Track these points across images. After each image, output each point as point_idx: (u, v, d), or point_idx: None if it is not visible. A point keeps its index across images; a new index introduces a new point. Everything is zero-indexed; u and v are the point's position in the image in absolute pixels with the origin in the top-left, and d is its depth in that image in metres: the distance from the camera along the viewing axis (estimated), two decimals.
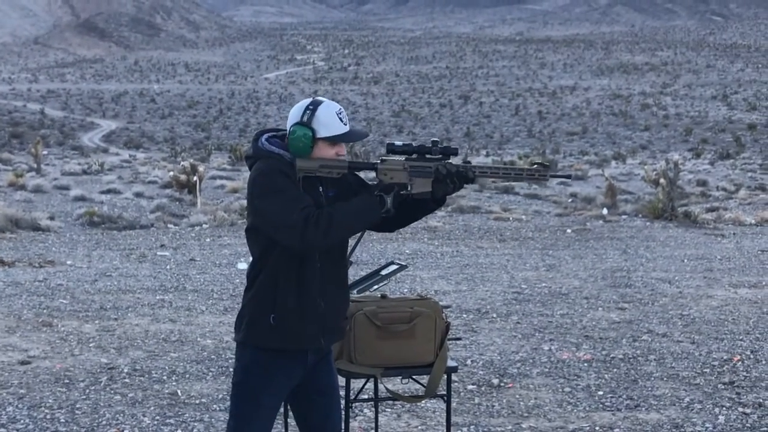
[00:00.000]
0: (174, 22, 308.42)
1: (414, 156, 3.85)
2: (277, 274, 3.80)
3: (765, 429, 6.22)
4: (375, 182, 3.89)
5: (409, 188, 3.81)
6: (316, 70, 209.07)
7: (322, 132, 3.79)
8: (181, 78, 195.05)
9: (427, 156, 3.84)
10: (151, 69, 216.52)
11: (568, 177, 4.13)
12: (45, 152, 44.61)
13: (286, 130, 3.90)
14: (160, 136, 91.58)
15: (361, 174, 4.03)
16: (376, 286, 5.22)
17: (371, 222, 3.80)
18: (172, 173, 27.03)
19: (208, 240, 16.29)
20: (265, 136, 3.91)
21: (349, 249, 4.10)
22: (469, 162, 3.88)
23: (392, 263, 5.44)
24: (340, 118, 3.81)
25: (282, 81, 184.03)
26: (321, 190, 3.85)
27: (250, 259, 3.94)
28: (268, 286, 3.81)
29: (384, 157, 3.90)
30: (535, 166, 3.85)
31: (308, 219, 3.64)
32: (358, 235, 3.95)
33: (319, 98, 3.87)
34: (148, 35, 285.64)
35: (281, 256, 3.78)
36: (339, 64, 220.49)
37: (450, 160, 3.85)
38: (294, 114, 3.83)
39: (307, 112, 3.80)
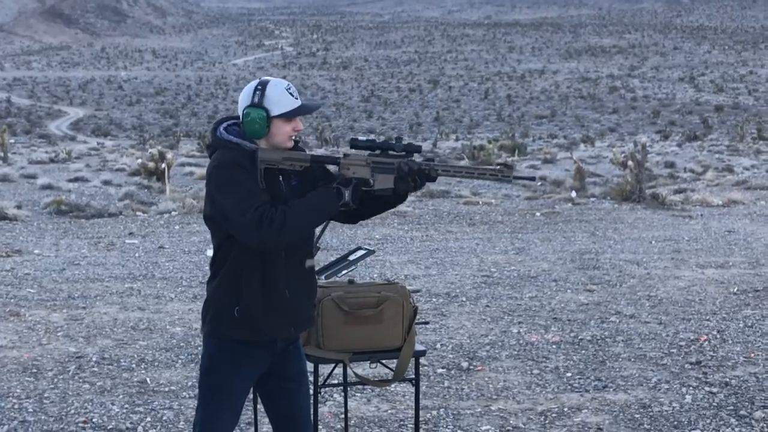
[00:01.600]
0: (140, 8, 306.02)
1: (377, 152, 3.84)
2: (240, 264, 3.76)
3: (731, 408, 6.29)
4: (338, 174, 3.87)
5: (371, 184, 3.80)
6: (285, 55, 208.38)
7: (275, 110, 3.77)
8: (148, 65, 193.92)
9: (390, 152, 3.83)
10: (118, 56, 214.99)
11: (532, 179, 4.14)
12: (12, 141, 44.22)
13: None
14: (128, 123, 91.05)
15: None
16: (344, 272, 5.22)
17: (328, 216, 3.79)
18: (140, 161, 26.89)
19: (177, 227, 16.23)
20: (224, 125, 3.87)
21: (316, 236, 4.09)
22: (432, 159, 3.87)
23: (360, 248, 5.45)
24: (291, 93, 3.79)
25: (250, 67, 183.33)
26: (281, 179, 3.82)
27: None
28: (232, 277, 3.78)
29: (347, 153, 3.88)
30: (499, 167, 3.84)
31: (262, 219, 3.59)
32: (325, 222, 3.94)
33: (266, 78, 3.85)
34: (115, 21, 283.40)
35: (244, 246, 3.75)
36: (307, 49, 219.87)
37: (413, 158, 3.84)
38: (244, 97, 3.81)
39: (257, 92, 3.77)
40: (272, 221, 3.60)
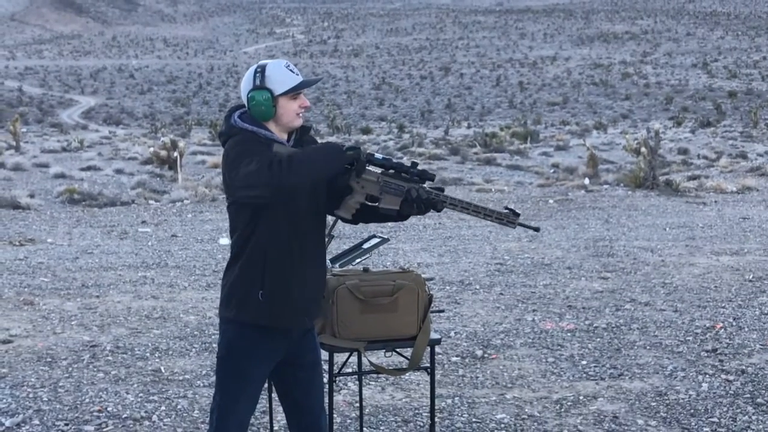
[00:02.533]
0: None
1: (390, 172, 3.83)
2: (264, 248, 3.76)
3: (748, 396, 6.25)
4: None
5: (378, 202, 3.81)
6: (296, 43, 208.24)
7: (279, 88, 3.77)
8: (159, 53, 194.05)
9: (403, 175, 3.84)
10: (129, 44, 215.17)
11: (536, 230, 4.14)
12: (24, 130, 44.32)
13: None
14: (140, 112, 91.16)
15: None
16: (358, 260, 5.19)
17: (334, 165, 3.70)
18: (152, 149, 26.91)
19: (189, 216, 16.23)
20: (238, 113, 3.87)
21: (329, 226, 4.08)
22: (442, 190, 3.86)
23: (374, 236, 5.42)
24: (291, 70, 3.80)
25: (261, 55, 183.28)
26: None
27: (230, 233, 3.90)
28: (257, 261, 3.77)
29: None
30: (506, 211, 3.87)
31: (272, 161, 3.57)
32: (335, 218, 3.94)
33: (263, 61, 3.85)
34: (126, 10, 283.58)
35: (267, 230, 3.75)
36: (318, 37, 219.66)
37: (424, 185, 3.83)
38: (245, 84, 3.82)
39: (257, 75, 3.78)
40: (281, 161, 3.56)
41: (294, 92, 3.80)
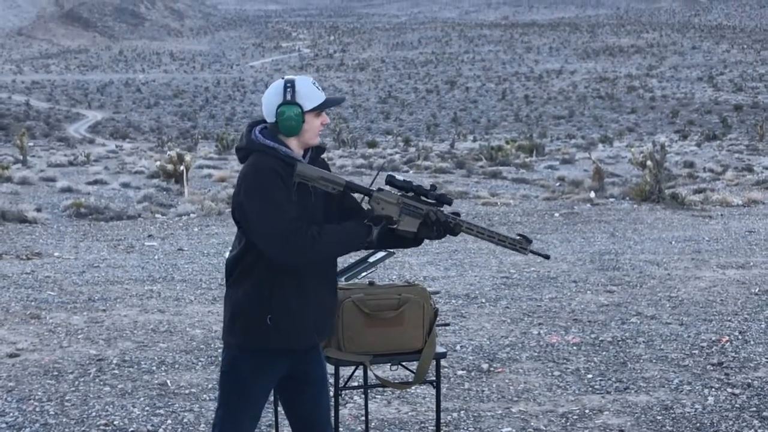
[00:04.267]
0: (158, 11, 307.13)
1: (410, 194, 3.86)
2: (271, 270, 3.73)
3: (754, 409, 6.24)
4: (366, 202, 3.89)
5: (396, 223, 3.83)
6: (302, 57, 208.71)
7: (308, 105, 3.79)
8: (166, 67, 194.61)
9: (422, 198, 3.86)
10: (136, 59, 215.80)
11: (547, 257, 4.15)
12: (31, 144, 44.45)
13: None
14: (147, 126, 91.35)
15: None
16: (364, 273, 5.21)
17: (354, 249, 3.82)
18: (158, 163, 26.98)
19: (196, 229, 16.27)
20: (259, 127, 3.86)
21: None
22: (459, 214, 3.89)
23: (380, 250, 5.43)
24: (317, 87, 3.83)
25: (268, 69, 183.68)
26: (311, 188, 3.81)
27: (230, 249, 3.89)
28: (263, 284, 3.74)
29: (381, 188, 3.89)
30: (519, 237, 3.93)
31: (294, 235, 3.60)
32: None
33: (289, 76, 3.86)
34: (133, 24, 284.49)
35: None
36: (325, 51, 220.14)
37: (442, 209, 3.87)
38: (272, 97, 3.79)
39: (288, 90, 3.78)
40: (301, 239, 3.60)
41: (320, 110, 3.83)
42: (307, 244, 3.61)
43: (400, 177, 3.89)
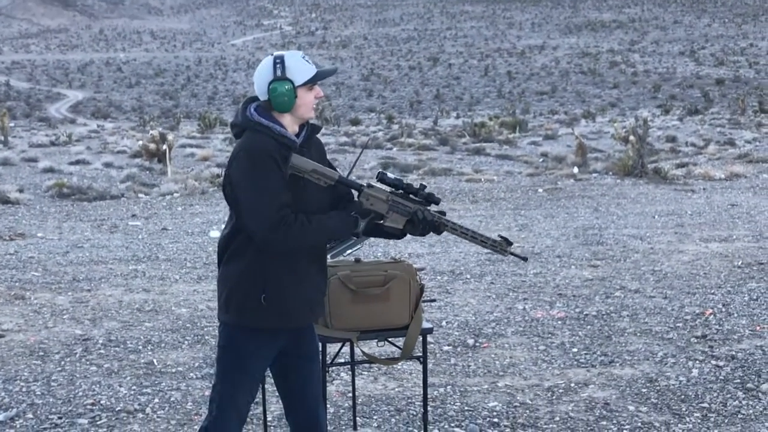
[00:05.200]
0: None
1: (399, 192, 3.91)
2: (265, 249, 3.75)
3: (738, 381, 6.30)
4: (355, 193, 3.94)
5: (383, 219, 3.90)
6: (284, 35, 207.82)
7: (299, 79, 3.79)
8: (147, 46, 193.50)
9: (411, 196, 3.92)
10: (117, 38, 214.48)
11: (525, 259, 4.29)
12: (11, 124, 44.17)
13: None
14: (128, 105, 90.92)
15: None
16: (349, 251, 5.20)
17: (338, 238, 3.93)
18: (141, 142, 26.86)
19: (179, 209, 16.23)
20: (254, 104, 3.86)
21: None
22: (444, 214, 3.96)
23: None
24: (307, 61, 3.83)
25: (249, 47, 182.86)
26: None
27: (221, 226, 3.91)
28: (256, 262, 3.76)
29: (371, 183, 3.93)
30: (500, 239, 4.01)
31: (281, 222, 3.63)
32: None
33: (278, 52, 3.86)
34: (113, 3, 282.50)
35: None
36: (306, 28, 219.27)
37: (429, 208, 3.93)
38: (263, 74, 3.79)
39: (277, 66, 3.78)
40: (289, 227, 3.65)
41: (312, 83, 3.83)
42: (294, 232, 3.65)
43: (391, 175, 3.93)
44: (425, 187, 3.98)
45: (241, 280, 3.78)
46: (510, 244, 4.00)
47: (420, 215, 3.88)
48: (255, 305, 3.77)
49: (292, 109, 3.80)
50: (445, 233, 3.97)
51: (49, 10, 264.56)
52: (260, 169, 3.67)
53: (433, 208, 3.96)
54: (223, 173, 3.84)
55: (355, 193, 3.94)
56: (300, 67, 3.79)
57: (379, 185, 3.94)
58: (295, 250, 3.75)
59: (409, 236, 3.91)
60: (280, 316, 3.81)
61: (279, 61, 3.78)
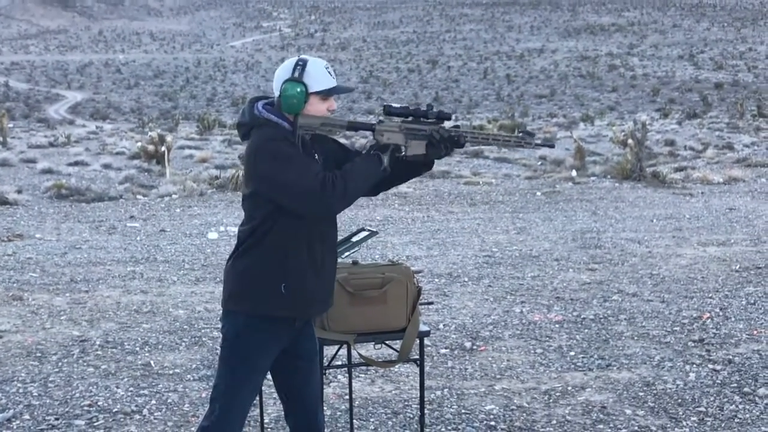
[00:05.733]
0: None
1: (410, 119, 3.89)
2: (285, 240, 3.77)
3: (735, 385, 6.30)
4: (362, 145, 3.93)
5: (404, 150, 3.86)
6: (283, 37, 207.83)
7: (314, 86, 3.79)
8: (146, 47, 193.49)
9: (422, 120, 3.89)
10: (116, 39, 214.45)
11: (552, 146, 4.19)
12: (10, 125, 44.16)
13: (273, 97, 3.88)
14: (127, 106, 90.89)
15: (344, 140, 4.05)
16: (347, 253, 5.21)
17: (375, 181, 3.84)
18: (139, 144, 26.87)
19: (178, 210, 16.23)
20: (262, 102, 3.87)
21: None
22: (459, 127, 3.93)
23: (363, 230, 5.44)
24: (329, 72, 3.82)
25: (248, 49, 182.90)
26: (316, 156, 3.84)
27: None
28: (276, 252, 3.77)
29: (381, 119, 3.92)
30: (521, 134, 3.94)
31: (325, 183, 3.64)
32: None
33: (305, 56, 3.86)
34: (112, 4, 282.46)
35: (289, 221, 3.74)
36: (305, 30, 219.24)
37: (444, 125, 3.90)
38: (282, 73, 3.81)
39: (297, 68, 3.78)
40: (335, 185, 3.65)
41: (327, 94, 3.83)
42: (339, 189, 3.66)
43: (396, 105, 3.92)
44: (432, 106, 3.95)
45: (261, 270, 3.79)
46: (532, 136, 3.92)
47: (437, 135, 3.84)
48: (274, 294, 3.78)
49: (298, 113, 3.80)
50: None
51: (49, 11, 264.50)
52: (284, 149, 3.69)
53: (447, 124, 3.92)
54: (246, 173, 3.82)
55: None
56: (320, 75, 3.80)
57: (389, 119, 3.91)
58: (346, 205, 3.74)
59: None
60: (297, 305, 3.83)
61: (301, 64, 3.80)
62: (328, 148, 3.94)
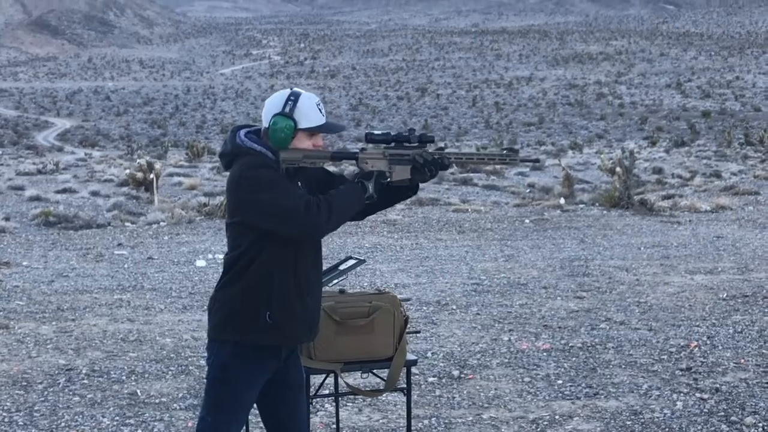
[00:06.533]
0: (127, 18, 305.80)
1: (392, 144, 3.90)
2: (271, 267, 3.77)
3: (722, 414, 6.30)
4: (343, 172, 3.93)
5: (389, 176, 3.87)
6: (272, 64, 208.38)
7: (303, 123, 3.80)
8: (135, 75, 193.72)
9: (405, 144, 3.90)
10: (105, 66, 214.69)
11: (536, 161, 4.23)
12: None
13: (256, 125, 3.89)
14: (116, 133, 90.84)
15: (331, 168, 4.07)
16: (334, 282, 5.21)
17: (359, 207, 3.85)
18: (128, 171, 26.83)
19: (166, 238, 16.19)
20: (243, 131, 3.88)
21: None
22: (443, 148, 3.94)
23: (350, 258, 5.44)
24: (320, 109, 3.83)
25: (238, 76, 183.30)
26: (300, 184, 3.85)
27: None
28: (261, 280, 3.77)
29: (363, 147, 3.93)
30: (505, 151, 3.95)
31: (309, 205, 3.65)
32: None
33: (297, 89, 3.87)
34: (102, 32, 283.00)
35: (274, 249, 3.75)
36: (295, 58, 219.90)
37: (427, 148, 3.90)
38: (273, 105, 3.81)
39: (289, 102, 3.79)
40: (319, 207, 3.67)
41: (315, 132, 3.84)
42: (324, 212, 3.67)
43: (377, 132, 3.93)
44: (414, 130, 3.96)
45: (246, 298, 3.79)
46: (516, 152, 3.92)
47: (420, 159, 3.84)
48: (259, 323, 3.78)
49: (285, 148, 3.81)
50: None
51: (38, 39, 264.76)
52: (264, 178, 3.70)
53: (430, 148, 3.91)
54: (229, 201, 3.83)
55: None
56: (309, 112, 3.81)
57: (372, 146, 3.92)
58: (330, 230, 3.75)
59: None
60: (283, 334, 3.82)
61: (292, 99, 3.80)
62: (312, 174, 3.94)
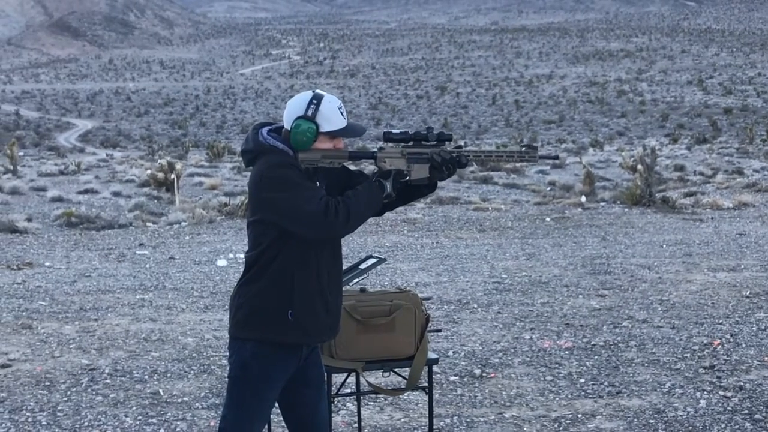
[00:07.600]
0: (148, 19, 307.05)
1: (410, 143, 3.91)
2: (292, 265, 3.79)
3: (746, 412, 6.26)
4: (363, 171, 3.94)
5: (407, 175, 3.88)
6: (292, 64, 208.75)
7: (325, 126, 3.82)
8: (156, 75, 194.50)
9: (423, 143, 3.91)
10: (126, 67, 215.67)
11: (556, 158, 4.23)
12: (21, 153, 44.35)
13: (278, 123, 3.91)
14: (137, 134, 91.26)
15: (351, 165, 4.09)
16: (355, 280, 5.22)
17: (377, 208, 3.86)
18: (149, 171, 26.94)
19: (187, 238, 16.24)
20: (266, 129, 3.89)
21: None
22: (461, 146, 3.95)
23: (371, 257, 5.44)
24: (341, 113, 3.85)
25: (258, 76, 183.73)
26: (318, 184, 3.86)
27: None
28: (283, 278, 3.79)
29: (382, 146, 3.94)
30: (524, 148, 3.95)
31: (328, 208, 3.67)
32: None
33: (320, 92, 3.87)
34: (122, 33, 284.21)
35: (295, 247, 3.77)
36: (314, 57, 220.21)
37: (445, 146, 3.91)
38: (296, 107, 3.82)
39: (311, 106, 3.80)
40: (337, 210, 3.68)
41: (336, 135, 3.85)
42: (342, 215, 3.68)
43: (395, 131, 3.94)
44: (432, 128, 3.97)
45: (267, 296, 3.81)
46: (536, 149, 3.93)
47: (438, 158, 3.86)
48: (281, 320, 3.80)
49: (306, 150, 3.82)
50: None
51: (59, 40, 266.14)
52: (290, 174, 3.72)
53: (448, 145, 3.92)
54: (246, 205, 3.87)
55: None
56: (332, 116, 3.82)
57: (390, 145, 3.93)
58: (349, 230, 3.77)
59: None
60: (305, 332, 3.83)
61: (315, 102, 3.81)
62: (332, 173, 3.95)
